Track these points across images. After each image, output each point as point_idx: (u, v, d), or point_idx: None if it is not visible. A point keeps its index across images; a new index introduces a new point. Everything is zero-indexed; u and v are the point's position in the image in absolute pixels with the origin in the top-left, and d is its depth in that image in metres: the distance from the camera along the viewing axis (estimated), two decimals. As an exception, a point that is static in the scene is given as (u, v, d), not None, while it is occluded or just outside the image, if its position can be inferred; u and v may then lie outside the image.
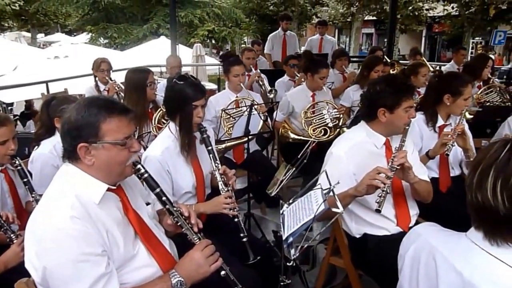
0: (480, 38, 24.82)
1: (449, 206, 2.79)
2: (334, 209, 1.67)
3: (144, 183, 1.74)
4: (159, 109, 3.57)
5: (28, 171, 2.64)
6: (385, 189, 2.13)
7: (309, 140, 3.97)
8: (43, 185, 2.53)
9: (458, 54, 6.66)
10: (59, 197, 1.54)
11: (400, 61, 7.14)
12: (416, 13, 23.37)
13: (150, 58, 9.75)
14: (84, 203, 1.53)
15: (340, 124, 4.12)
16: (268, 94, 4.94)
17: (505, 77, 6.46)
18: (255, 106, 3.44)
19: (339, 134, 4.03)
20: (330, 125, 4.05)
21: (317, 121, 4.11)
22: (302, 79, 4.94)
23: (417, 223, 2.51)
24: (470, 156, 2.99)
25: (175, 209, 1.74)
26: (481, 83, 4.92)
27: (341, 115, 4.12)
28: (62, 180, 1.60)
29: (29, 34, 31.58)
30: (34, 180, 2.66)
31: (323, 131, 4.07)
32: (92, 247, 1.49)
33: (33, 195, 2.43)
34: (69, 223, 1.45)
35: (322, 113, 4.13)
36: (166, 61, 5.71)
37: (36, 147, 2.85)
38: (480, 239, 1.23)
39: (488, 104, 4.62)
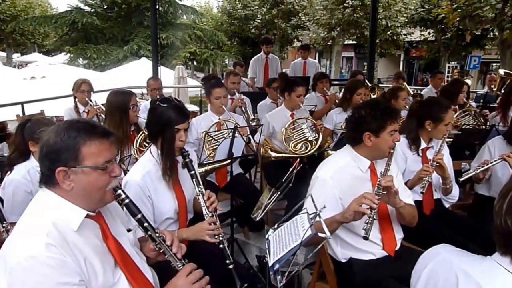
0: (456, 63, 25.55)
1: (433, 228, 2.79)
2: (320, 234, 1.63)
3: (125, 208, 1.68)
4: (141, 132, 3.50)
5: (-1, 197, 2.52)
6: (371, 215, 2.11)
7: (291, 157, 3.98)
8: (15, 212, 2.42)
9: (436, 78, 6.82)
10: (34, 224, 1.47)
11: (379, 85, 7.26)
12: (395, 38, 23.98)
13: (131, 80, 9.68)
14: (62, 230, 1.46)
15: (325, 147, 4.12)
16: (250, 122, 4.95)
17: (481, 100, 6.61)
18: (238, 129, 3.41)
19: (322, 156, 4.03)
20: (311, 138, 4.06)
21: (297, 136, 4.12)
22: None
23: (402, 246, 2.50)
24: (447, 184, 3.01)
25: (157, 235, 1.68)
26: (457, 107, 5.02)
27: (321, 128, 4.14)
28: (38, 206, 1.53)
29: (4, 54, 31.01)
30: (6, 206, 2.53)
31: (304, 146, 4.08)
32: (69, 277, 1.41)
33: (4, 225, 2.25)
34: (45, 251, 1.38)
35: (301, 128, 4.14)
36: (147, 83, 5.71)
37: (9, 172, 2.70)
38: (507, 262, 1.25)
39: (466, 126, 4.71)
